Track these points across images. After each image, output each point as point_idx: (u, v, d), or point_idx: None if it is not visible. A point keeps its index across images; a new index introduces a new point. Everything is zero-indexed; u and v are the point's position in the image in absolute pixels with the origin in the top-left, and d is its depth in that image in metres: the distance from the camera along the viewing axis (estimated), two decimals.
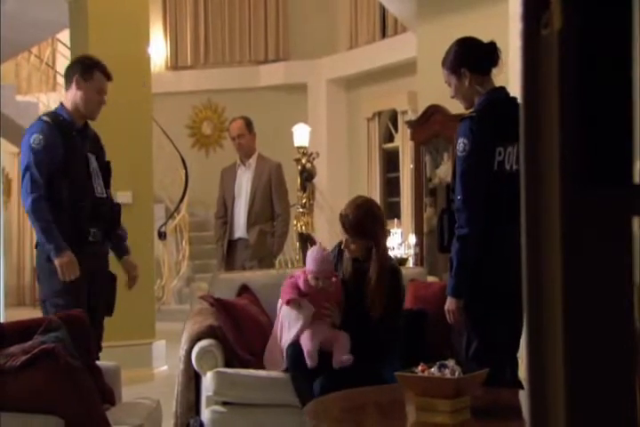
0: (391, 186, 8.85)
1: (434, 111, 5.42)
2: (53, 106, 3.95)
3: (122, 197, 4.97)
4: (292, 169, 5.71)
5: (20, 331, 2.66)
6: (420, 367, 2.42)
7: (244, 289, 3.67)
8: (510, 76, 4.48)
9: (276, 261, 5.29)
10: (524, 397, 2.60)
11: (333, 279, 3.23)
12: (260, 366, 3.29)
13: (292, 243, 6.46)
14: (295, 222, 5.73)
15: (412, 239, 6.11)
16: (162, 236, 7.72)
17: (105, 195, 3.40)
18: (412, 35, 6.77)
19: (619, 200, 0.69)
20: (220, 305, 3.46)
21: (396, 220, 7.83)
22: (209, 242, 7.16)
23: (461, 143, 2.72)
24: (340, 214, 3.24)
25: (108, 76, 3.40)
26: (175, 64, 9.97)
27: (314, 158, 5.77)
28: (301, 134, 5.86)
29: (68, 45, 6.07)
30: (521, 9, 0.72)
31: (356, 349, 3.12)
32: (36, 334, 2.60)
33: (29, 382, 2.28)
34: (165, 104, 8.57)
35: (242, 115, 5.16)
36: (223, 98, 9.57)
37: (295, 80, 9.38)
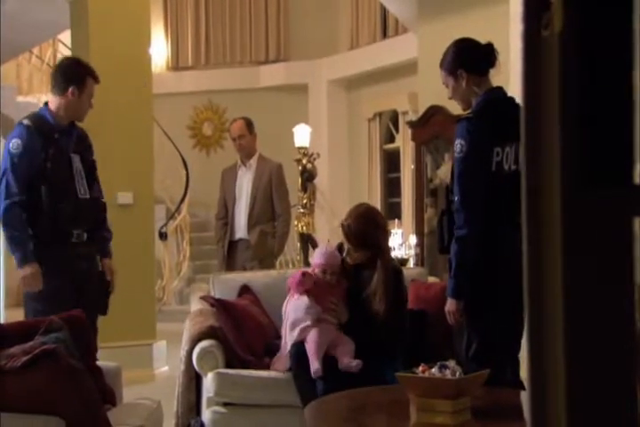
0: (392, 186, 8.85)
1: (434, 112, 5.42)
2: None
3: (123, 197, 4.97)
4: (292, 170, 5.71)
5: (20, 332, 2.67)
6: (420, 368, 2.42)
7: (245, 290, 3.67)
8: (511, 77, 4.48)
9: (277, 262, 5.29)
10: (525, 397, 2.60)
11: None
12: (261, 367, 3.29)
13: (293, 243, 6.46)
14: (296, 223, 5.72)
15: (413, 240, 6.11)
16: (163, 236, 7.72)
17: (88, 196, 3.36)
18: (412, 35, 6.77)
19: (619, 201, 0.70)
20: (220, 306, 3.46)
21: (396, 220, 7.83)
22: (210, 243, 7.16)
23: (458, 144, 2.72)
24: (342, 224, 3.23)
25: (97, 79, 3.40)
26: (176, 65, 9.97)
27: (315, 159, 5.77)
28: (302, 135, 5.86)
29: (69, 46, 6.07)
30: (522, 10, 0.72)
31: (359, 350, 3.12)
32: (37, 334, 2.60)
33: (30, 382, 2.29)
34: (166, 105, 8.57)
35: (242, 115, 5.16)
36: (224, 98, 9.57)
37: (296, 81, 9.38)
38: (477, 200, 2.73)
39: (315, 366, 3.01)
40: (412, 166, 6.25)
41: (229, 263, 4.92)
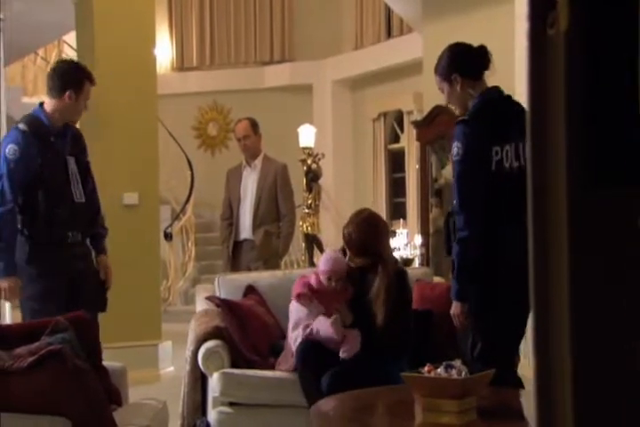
0: (397, 186, 8.85)
1: (439, 112, 5.41)
2: None
3: (128, 198, 4.98)
4: (297, 170, 5.71)
5: (26, 332, 2.67)
6: (426, 368, 2.41)
7: (250, 290, 3.67)
8: (516, 76, 4.47)
9: (282, 262, 5.29)
10: (524, 397, 2.59)
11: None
12: (266, 367, 3.29)
13: (298, 244, 6.46)
14: (301, 223, 5.72)
15: (418, 240, 6.10)
16: (168, 237, 7.72)
17: (83, 200, 3.36)
18: (417, 35, 6.77)
19: (625, 200, 0.69)
20: (225, 306, 3.46)
21: (401, 220, 7.82)
22: (215, 243, 7.17)
23: (455, 147, 2.73)
24: (343, 233, 3.22)
25: (94, 82, 3.41)
26: (181, 65, 9.98)
27: (319, 159, 5.77)
28: (307, 135, 5.86)
29: (75, 47, 6.09)
30: (527, 9, 0.72)
31: (364, 350, 3.12)
32: (43, 335, 2.60)
33: (36, 383, 2.29)
34: (171, 105, 8.57)
35: (247, 116, 5.16)
36: (229, 99, 9.57)
37: (300, 81, 9.39)
38: (477, 202, 2.72)
39: (331, 330, 3.00)
40: (417, 166, 6.25)
41: (234, 264, 4.93)
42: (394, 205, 8.89)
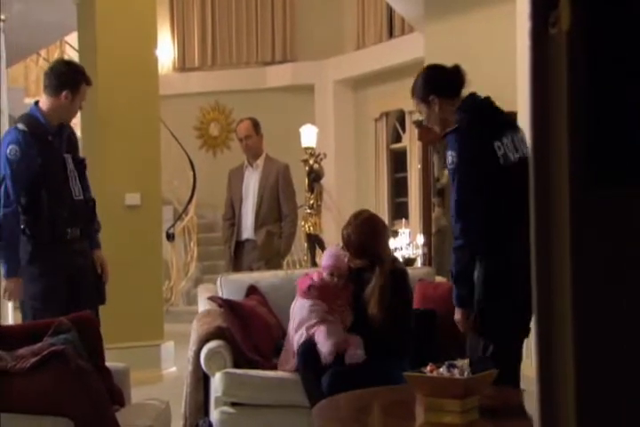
0: (399, 186, 8.85)
1: None
2: None
3: (130, 198, 4.98)
4: (299, 170, 5.71)
5: (29, 333, 2.67)
6: (428, 368, 2.41)
7: (252, 290, 3.68)
8: (518, 75, 4.47)
9: (284, 262, 5.29)
10: (527, 396, 2.59)
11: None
12: (268, 367, 3.29)
13: (300, 244, 6.46)
14: (303, 223, 5.72)
15: (420, 239, 6.10)
16: (170, 237, 7.73)
17: (82, 197, 3.40)
18: (419, 35, 6.77)
19: (627, 200, 0.69)
20: (228, 306, 3.46)
21: (403, 220, 7.82)
22: (217, 243, 7.17)
23: (450, 156, 2.73)
24: (342, 234, 3.25)
25: (90, 83, 3.44)
26: (182, 66, 9.99)
27: (321, 159, 5.77)
28: (309, 135, 5.86)
29: (76, 48, 6.09)
30: (529, 8, 0.72)
31: (365, 350, 3.12)
32: (46, 336, 2.60)
33: (39, 383, 2.29)
34: (173, 106, 8.58)
35: (249, 116, 5.16)
36: (230, 99, 9.58)
37: (302, 81, 9.38)
38: (473, 210, 2.72)
39: (326, 348, 3.00)
40: (419, 166, 6.25)
41: (236, 264, 4.93)
42: (396, 204, 8.89)
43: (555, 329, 0.69)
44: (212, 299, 3.58)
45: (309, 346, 3.11)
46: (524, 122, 4.41)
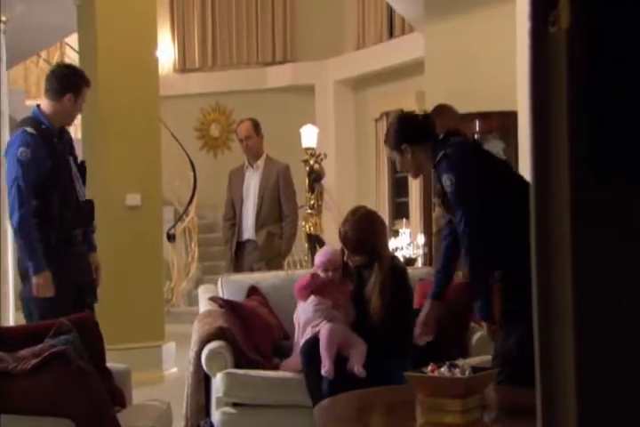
0: (399, 186, 8.84)
1: (441, 111, 5.40)
2: None
3: (131, 199, 4.98)
4: (300, 170, 5.71)
5: (30, 334, 2.67)
6: (429, 367, 2.41)
7: (253, 291, 3.68)
8: (518, 75, 4.47)
9: (285, 263, 5.29)
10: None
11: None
12: (269, 368, 3.28)
13: (301, 244, 6.46)
14: (303, 224, 5.72)
15: (421, 239, 6.09)
16: (171, 238, 7.73)
17: (85, 198, 3.46)
18: (419, 35, 6.76)
19: (629, 199, 0.69)
20: (229, 307, 3.46)
21: (404, 220, 7.82)
22: (218, 244, 7.17)
23: (447, 180, 2.75)
24: (339, 231, 3.27)
25: (90, 85, 3.50)
26: (183, 67, 9.99)
27: (322, 159, 5.77)
28: (309, 135, 5.85)
29: (77, 49, 6.09)
30: (529, 7, 0.72)
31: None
32: (47, 337, 2.60)
33: (40, 384, 2.29)
34: (173, 106, 8.58)
35: (249, 116, 5.16)
36: (231, 100, 9.58)
37: (303, 81, 9.38)
38: (486, 238, 2.74)
39: (326, 365, 3.01)
40: None
41: (237, 264, 4.93)
42: (396, 204, 8.89)
43: (555, 328, 0.69)
44: (212, 299, 3.58)
45: (314, 345, 3.11)
46: (524, 121, 4.41)
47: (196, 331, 3.43)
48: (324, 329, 3.10)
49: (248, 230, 4.93)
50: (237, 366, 3.25)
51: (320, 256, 3.31)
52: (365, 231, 3.20)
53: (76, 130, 6.07)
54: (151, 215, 5.07)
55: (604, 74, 0.68)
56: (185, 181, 8.41)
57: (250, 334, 3.38)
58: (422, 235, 5.99)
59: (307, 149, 5.78)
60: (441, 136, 2.88)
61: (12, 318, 5.37)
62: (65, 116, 3.42)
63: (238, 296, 3.63)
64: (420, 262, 6.13)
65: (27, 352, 2.42)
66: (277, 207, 4.92)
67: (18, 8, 5.61)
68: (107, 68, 4.91)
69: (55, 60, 9.28)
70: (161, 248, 5.29)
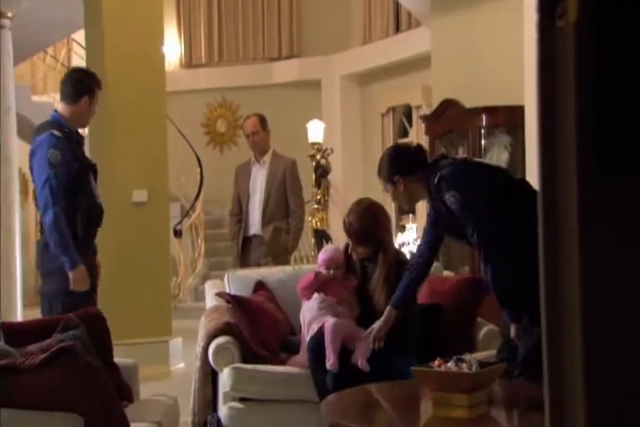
0: None
1: (448, 105, 5.40)
2: None
3: (137, 195, 4.99)
4: (306, 165, 5.71)
5: (38, 329, 2.69)
6: (436, 362, 2.41)
7: (260, 286, 3.68)
8: (525, 69, 4.45)
9: (291, 258, 5.29)
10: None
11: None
12: (277, 363, 3.29)
13: (307, 239, 6.46)
14: (310, 219, 5.72)
15: None
16: (177, 234, 7.75)
17: (100, 200, 3.56)
18: (425, 29, 6.74)
19: (638, 193, 0.69)
20: (235, 302, 3.46)
21: (410, 215, 7.81)
22: (224, 239, 7.17)
23: (451, 197, 2.73)
24: (344, 221, 3.27)
25: (101, 86, 3.60)
26: (189, 62, 9.99)
27: (328, 154, 5.76)
28: (316, 131, 5.85)
29: (84, 45, 6.09)
30: (535, 0, 0.71)
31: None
32: (55, 332, 2.61)
33: (48, 380, 2.30)
34: (180, 102, 8.58)
35: (256, 112, 5.16)
36: (237, 95, 9.57)
37: (309, 76, 9.37)
38: (495, 237, 2.72)
39: (331, 359, 3.01)
40: None
41: (244, 260, 4.93)
42: None
43: (563, 325, 0.68)
44: (219, 295, 3.59)
45: (320, 340, 3.11)
46: (532, 116, 4.39)
47: (202, 326, 3.43)
48: (328, 323, 3.10)
49: (255, 226, 4.94)
50: (244, 361, 3.26)
51: (322, 254, 3.32)
52: (370, 222, 3.20)
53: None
54: (158, 211, 5.08)
55: (612, 67, 0.68)
56: (191, 177, 8.42)
57: (257, 329, 3.38)
58: None
59: (313, 144, 5.77)
60: (430, 161, 2.89)
61: (20, 313, 5.39)
62: (81, 119, 3.53)
63: (245, 291, 3.63)
64: None
65: (35, 347, 2.43)
66: (284, 203, 4.92)
67: (24, 4, 5.61)
68: (113, 63, 4.91)
69: (62, 56, 9.30)
70: (168, 244, 5.30)
